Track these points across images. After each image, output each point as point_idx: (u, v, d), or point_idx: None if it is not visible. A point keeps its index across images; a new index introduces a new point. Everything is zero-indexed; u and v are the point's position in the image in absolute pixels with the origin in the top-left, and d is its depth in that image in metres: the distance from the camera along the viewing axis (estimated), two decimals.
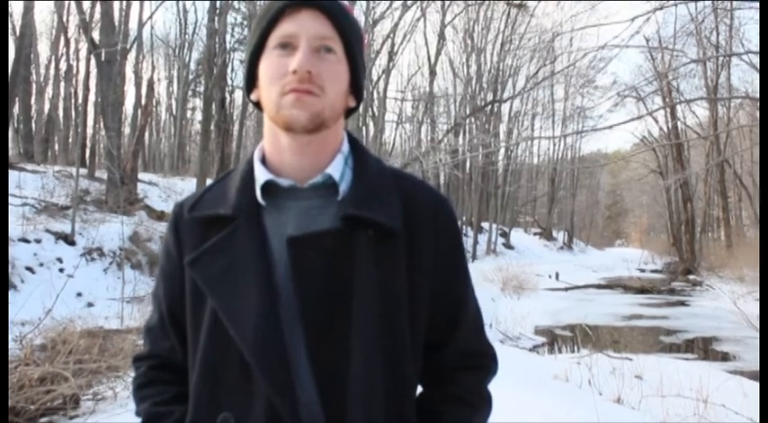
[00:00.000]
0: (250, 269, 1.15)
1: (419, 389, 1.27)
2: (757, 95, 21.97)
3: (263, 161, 1.24)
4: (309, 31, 1.15)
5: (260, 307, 1.13)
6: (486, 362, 1.31)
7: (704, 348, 12.22)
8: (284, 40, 1.15)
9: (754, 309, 10.67)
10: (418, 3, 29.21)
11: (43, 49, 35.02)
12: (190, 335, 1.23)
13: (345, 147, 1.25)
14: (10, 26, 24.91)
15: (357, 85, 1.24)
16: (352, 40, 1.21)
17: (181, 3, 36.05)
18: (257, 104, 1.23)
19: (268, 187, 1.20)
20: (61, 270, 12.91)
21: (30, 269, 12.37)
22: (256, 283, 1.14)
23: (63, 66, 32.51)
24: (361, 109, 29.85)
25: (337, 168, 1.20)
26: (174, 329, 1.29)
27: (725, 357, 11.05)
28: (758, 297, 13.73)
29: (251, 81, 1.23)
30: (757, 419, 3.86)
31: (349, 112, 1.27)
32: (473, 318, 1.31)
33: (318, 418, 1.12)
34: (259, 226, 1.19)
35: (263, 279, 1.15)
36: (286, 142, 1.19)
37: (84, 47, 27.62)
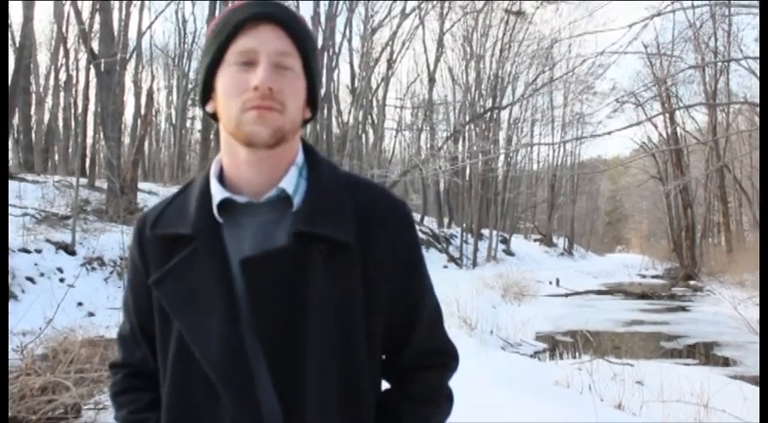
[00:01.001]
0: (211, 290, 1.18)
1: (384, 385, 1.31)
2: (756, 100, 22.02)
3: (221, 175, 1.26)
4: (269, 47, 1.15)
5: (222, 328, 1.16)
6: (445, 360, 1.34)
7: (705, 354, 12.19)
8: (244, 57, 1.15)
9: (754, 314, 10.68)
10: (416, 11, 29.35)
11: (43, 59, 35.18)
12: (159, 349, 1.26)
13: (300, 158, 1.26)
14: (9, 37, 24.99)
15: (314, 98, 1.25)
16: (309, 54, 1.22)
17: (180, 13, 36.22)
18: (213, 116, 1.24)
19: (225, 204, 1.21)
20: (62, 280, 12.89)
21: (30, 279, 12.36)
22: (218, 304, 1.17)
23: (63, 76, 32.61)
24: (360, 116, 29.96)
25: (291, 182, 1.21)
26: (144, 340, 1.31)
27: (726, 362, 11.02)
28: (758, 302, 13.73)
29: (206, 93, 1.24)
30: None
31: (305, 122, 1.28)
32: (431, 317, 1.32)
33: None
34: (219, 244, 1.20)
35: (224, 300, 1.17)
36: (244, 156, 1.20)
37: (83, 57, 27.73)
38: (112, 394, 1.36)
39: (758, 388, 7.07)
